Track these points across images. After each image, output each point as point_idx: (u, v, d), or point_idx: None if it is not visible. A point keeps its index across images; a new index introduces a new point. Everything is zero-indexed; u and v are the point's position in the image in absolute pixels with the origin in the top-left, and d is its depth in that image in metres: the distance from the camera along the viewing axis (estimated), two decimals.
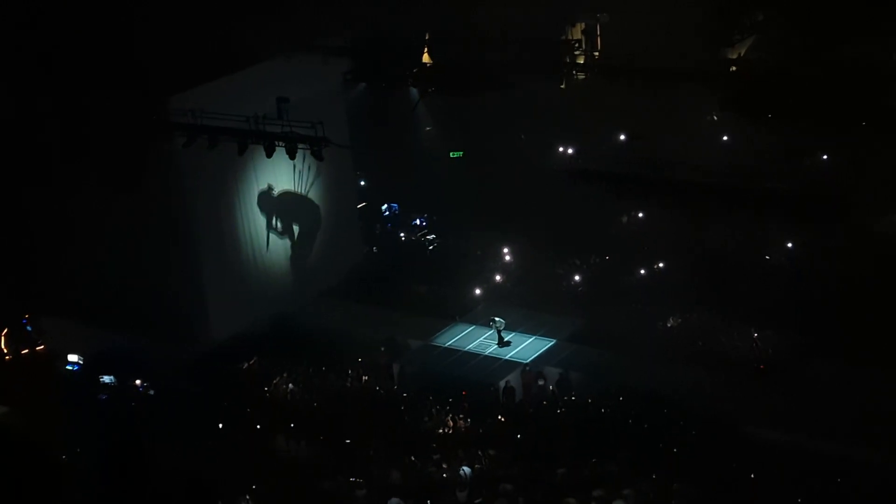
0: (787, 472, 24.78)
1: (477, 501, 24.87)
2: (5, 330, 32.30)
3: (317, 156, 29.20)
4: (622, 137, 39.45)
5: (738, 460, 25.36)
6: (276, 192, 36.20)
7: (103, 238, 32.97)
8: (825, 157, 37.17)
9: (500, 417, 28.75)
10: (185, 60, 30.44)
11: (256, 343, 33.35)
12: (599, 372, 30.34)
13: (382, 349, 32.86)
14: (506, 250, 37.52)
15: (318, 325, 34.25)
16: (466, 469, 25.60)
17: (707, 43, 33.07)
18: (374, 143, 39.58)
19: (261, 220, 36.04)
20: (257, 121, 29.41)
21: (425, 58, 34.80)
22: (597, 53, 35.92)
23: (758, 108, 28.42)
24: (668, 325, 32.76)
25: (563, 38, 35.80)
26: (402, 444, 27.31)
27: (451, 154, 41.02)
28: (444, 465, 26.08)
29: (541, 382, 30.64)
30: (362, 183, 41.62)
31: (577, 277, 35.83)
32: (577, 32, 37.89)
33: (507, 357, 32.12)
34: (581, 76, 32.61)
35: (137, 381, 30.56)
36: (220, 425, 28.49)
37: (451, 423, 28.41)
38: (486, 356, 32.37)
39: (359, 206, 40.60)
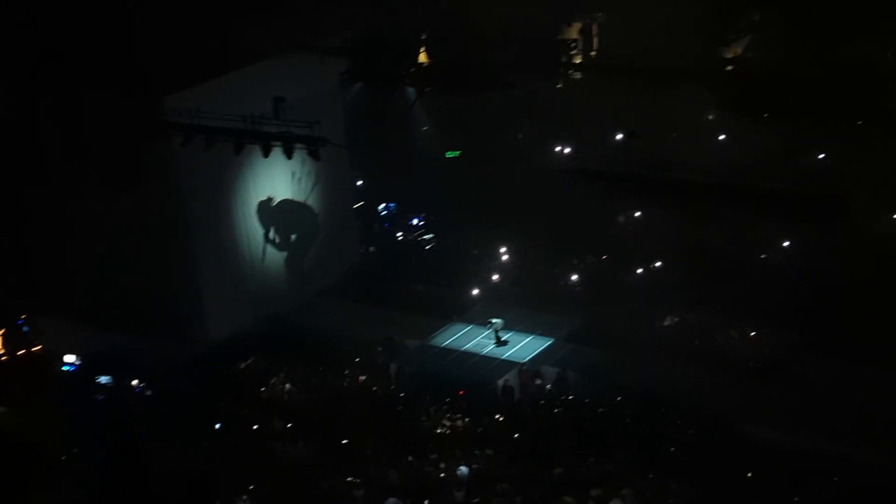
0: (786, 471, 24.76)
1: (474, 501, 24.82)
2: (2, 330, 32.17)
3: (313, 155, 29.13)
4: (620, 137, 39.41)
5: (736, 460, 25.33)
6: (273, 192, 36.12)
7: (100, 238, 32.93)
8: (824, 156, 37.14)
9: (497, 417, 28.69)
10: (182, 60, 30.41)
11: (254, 343, 33.31)
12: (597, 371, 30.35)
13: (380, 349, 32.82)
14: (503, 250, 37.49)
15: (316, 324, 34.23)
16: (464, 468, 25.58)
17: (706, 43, 33.06)
18: (371, 143, 39.53)
19: (258, 220, 36.01)
20: (254, 121, 29.33)
21: (422, 57, 34.79)
22: (593, 53, 35.92)
23: (757, 108, 28.41)
24: (666, 324, 32.77)
25: (560, 37, 35.80)
26: (399, 443, 27.27)
27: (447, 154, 40.95)
28: (442, 465, 26.03)
29: (538, 382, 30.60)
30: (359, 182, 41.55)
31: (574, 277, 35.82)
32: (574, 32, 37.92)
33: (504, 356, 32.13)
34: (577, 76, 32.60)
35: (134, 382, 30.51)
36: (218, 425, 28.42)
37: (448, 423, 28.36)
38: (483, 356, 32.37)
39: (356, 206, 40.53)
